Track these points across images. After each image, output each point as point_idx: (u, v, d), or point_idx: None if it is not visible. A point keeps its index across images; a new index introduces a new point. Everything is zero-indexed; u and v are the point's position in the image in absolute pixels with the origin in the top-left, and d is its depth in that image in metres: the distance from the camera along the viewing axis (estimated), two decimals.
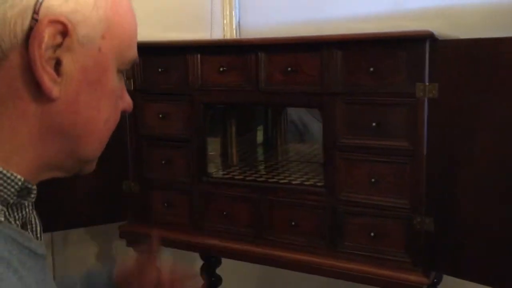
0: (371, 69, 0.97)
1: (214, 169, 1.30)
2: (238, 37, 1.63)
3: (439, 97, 0.91)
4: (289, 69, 1.04)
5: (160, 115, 1.22)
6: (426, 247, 0.99)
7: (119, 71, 0.59)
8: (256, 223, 1.15)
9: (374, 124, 0.99)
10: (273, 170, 1.28)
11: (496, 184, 0.89)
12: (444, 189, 0.95)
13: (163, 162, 1.24)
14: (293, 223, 1.10)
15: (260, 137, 1.55)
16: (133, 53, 0.61)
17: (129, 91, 1.22)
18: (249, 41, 1.06)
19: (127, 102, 0.64)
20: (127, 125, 1.26)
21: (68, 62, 0.51)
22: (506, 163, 0.87)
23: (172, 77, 1.19)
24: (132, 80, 1.22)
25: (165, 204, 1.26)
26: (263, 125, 1.52)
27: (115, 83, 0.58)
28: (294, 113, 1.49)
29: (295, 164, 1.34)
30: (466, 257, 0.95)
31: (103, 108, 0.57)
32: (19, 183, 0.50)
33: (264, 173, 1.25)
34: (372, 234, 1.03)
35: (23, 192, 0.51)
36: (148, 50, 1.20)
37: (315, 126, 1.40)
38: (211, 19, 1.67)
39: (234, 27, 1.68)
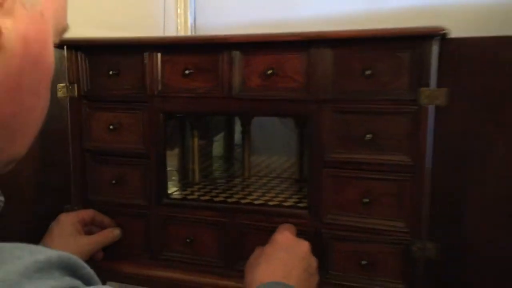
0: (367, 72, 0.83)
1: (174, 188, 1.13)
2: (193, 33, 1.47)
3: (447, 104, 0.79)
4: (269, 71, 0.89)
5: (111, 127, 1.03)
6: (427, 276, 0.86)
7: (53, 42, 0.49)
8: (227, 252, 0.99)
9: (368, 135, 0.86)
10: (243, 189, 1.12)
11: (510, 206, 0.78)
12: (450, 211, 0.83)
13: (113, 182, 1.05)
14: None
15: (219, 148, 1.39)
16: (66, 20, 0.52)
17: (72, 98, 1.03)
18: (220, 38, 0.90)
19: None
20: (69, 138, 1.06)
21: (8, 31, 0.39)
22: None
23: (126, 81, 1.01)
24: (75, 85, 1.03)
25: None
26: (224, 133, 1.36)
27: (53, 58, 0.49)
28: (260, 121, 1.34)
29: (266, 181, 1.19)
30: None
31: (42, 94, 0.48)
32: None
33: (233, 192, 1.09)
34: (363, 262, 0.90)
35: None
36: (96, 49, 1.02)
37: (284, 136, 1.26)
38: (164, 19, 1.51)
39: (189, 26, 1.52)
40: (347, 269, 0.91)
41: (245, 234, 0.98)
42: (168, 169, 1.14)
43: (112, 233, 1.04)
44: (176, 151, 1.23)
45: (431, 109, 0.81)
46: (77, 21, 1.19)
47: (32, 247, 0.40)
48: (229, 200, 1.03)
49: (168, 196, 1.05)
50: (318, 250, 0.91)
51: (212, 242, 1.00)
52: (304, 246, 0.86)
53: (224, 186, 1.14)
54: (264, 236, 0.92)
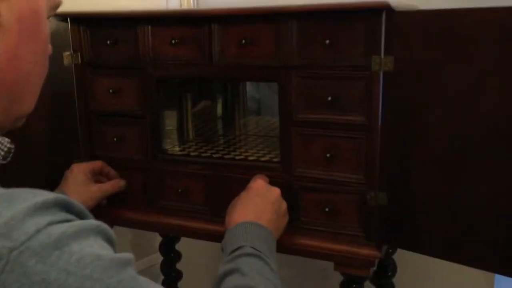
0: (327, 41, 0.94)
1: (170, 145, 1.26)
2: (195, 5, 1.58)
3: (394, 70, 0.90)
4: (244, 41, 1.00)
5: (111, 90, 1.16)
6: (379, 221, 0.99)
7: (48, 17, 0.58)
8: (212, 201, 1.13)
9: (329, 98, 0.97)
10: (230, 146, 1.25)
11: (447, 159, 0.89)
12: (397, 165, 0.95)
13: (115, 139, 1.19)
14: None
15: (219, 110, 1.51)
16: None
17: (77, 65, 1.17)
18: (201, 12, 1.02)
19: (49, 47, 0.62)
20: (76, 101, 1.20)
21: (5, 13, 0.48)
22: (457, 139, 0.86)
23: (122, 50, 1.13)
24: (79, 53, 1.16)
25: None
26: (222, 98, 1.49)
27: (47, 31, 0.57)
28: (253, 87, 1.46)
29: (253, 139, 1.32)
30: (418, 231, 0.96)
31: (39, 61, 0.56)
32: None
33: (220, 148, 1.22)
34: (326, 209, 1.02)
35: None
36: (95, 21, 1.14)
37: (274, 100, 1.37)
38: None
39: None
40: (314, 216, 1.04)
41: (228, 185, 1.11)
42: (168, 127, 1.28)
43: (118, 184, 1.17)
44: (175, 111, 1.35)
45: (381, 75, 0.91)
46: None
47: (36, 191, 0.49)
48: (214, 155, 1.16)
49: (163, 152, 1.18)
50: (289, 199, 1.04)
51: (199, 192, 1.14)
52: (274, 191, 0.99)
53: (214, 144, 1.27)
54: (243, 187, 1.05)
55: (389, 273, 1.22)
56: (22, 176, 1.07)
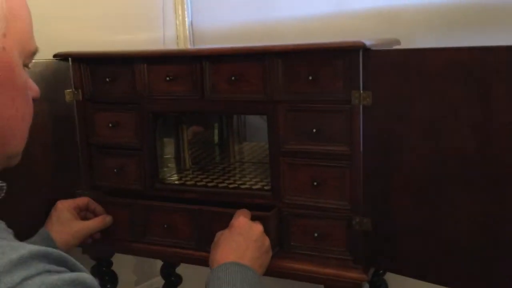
0: (310, 77, 1.01)
1: (169, 173, 1.33)
2: (191, 36, 1.66)
3: (372, 104, 0.96)
4: (233, 78, 1.07)
5: (110, 124, 1.23)
6: (365, 245, 1.04)
7: (24, 65, 0.63)
8: (198, 234, 1.15)
9: (314, 130, 1.03)
10: (225, 174, 1.31)
11: (424, 185, 0.95)
12: (379, 191, 1.01)
13: (115, 170, 1.26)
14: None
15: (215, 136, 1.58)
16: (34, 44, 0.64)
17: (78, 101, 1.24)
18: (193, 51, 1.09)
19: (34, 90, 0.68)
20: (78, 134, 1.27)
21: None
22: (433, 167, 0.92)
23: (121, 86, 1.21)
24: (80, 90, 1.24)
25: None
26: (218, 126, 1.56)
27: (24, 78, 0.62)
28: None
29: (247, 166, 1.38)
30: (402, 254, 1.01)
31: (19, 106, 0.60)
32: None
33: (215, 177, 1.28)
34: (315, 234, 1.08)
35: None
36: (95, 60, 1.22)
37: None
38: (163, 19, 1.70)
39: (186, 26, 1.71)
40: (304, 241, 1.10)
41: (215, 217, 1.15)
42: (167, 156, 1.35)
43: (104, 220, 1.18)
44: (172, 140, 1.42)
45: (360, 108, 0.98)
46: (80, 25, 1.39)
47: (14, 244, 0.49)
48: (209, 184, 1.22)
49: (160, 181, 1.25)
50: (279, 225, 1.10)
51: (186, 225, 1.16)
52: (256, 229, 1.00)
53: (210, 172, 1.33)
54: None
55: None
56: (26, 204, 1.15)
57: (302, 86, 1.03)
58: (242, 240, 0.96)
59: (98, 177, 1.29)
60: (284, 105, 1.06)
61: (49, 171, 1.23)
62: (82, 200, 1.19)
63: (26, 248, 0.49)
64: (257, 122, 1.57)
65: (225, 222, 1.04)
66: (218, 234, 1.02)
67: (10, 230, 0.58)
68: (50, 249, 0.51)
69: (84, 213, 1.19)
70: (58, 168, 1.26)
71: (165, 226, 1.17)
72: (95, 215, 1.20)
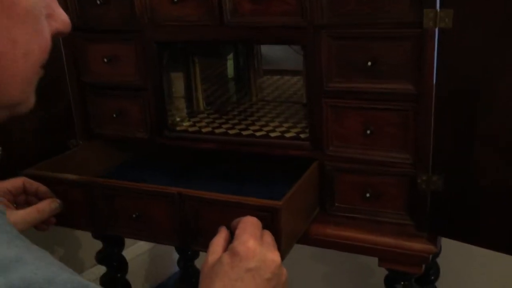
0: None
1: (179, 118, 1.10)
2: None
3: (453, 27, 0.71)
4: None
5: (105, 59, 0.99)
6: (432, 209, 0.83)
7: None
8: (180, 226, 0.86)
9: (369, 63, 0.79)
10: (246, 117, 1.08)
11: None
12: (457, 142, 0.78)
13: (114, 115, 1.03)
14: None
15: (231, 69, 1.33)
16: None
17: None
18: None
19: (60, 20, 0.51)
20: (66, 73, 1.03)
21: None
22: None
23: (115, 10, 0.95)
24: None
25: None
26: (233, 55, 1.30)
27: (29, 2, 0.46)
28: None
29: (273, 106, 1.15)
30: (479, 222, 0.80)
31: (19, 38, 0.46)
32: None
33: (236, 121, 1.05)
34: (367, 194, 0.86)
35: None
36: None
37: (293, 57, 1.19)
38: None
39: None
40: (352, 201, 0.89)
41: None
42: (174, 95, 1.11)
43: (49, 206, 0.85)
44: (181, 74, 1.17)
45: (436, 33, 0.73)
46: None
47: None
48: (230, 131, 0.99)
49: (168, 128, 1.02)
50: (321, 182, 0.89)
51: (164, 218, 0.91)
52: (272, 261, 0.66)
53: (228, 116, 1.10)
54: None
55: (432, 277, 1.06)
56: (14, 163, 0.94)
57: (353, 5, 0.77)
58: (251, 279, 0.64)
59: (94, 124, 1.07)
60: (327, 31, 0.80)
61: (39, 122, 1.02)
62: (13, 183, 0.87)
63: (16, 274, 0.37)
64: (279, 51, 1.32)
65: (218, 212, 0.77)
66: (212, 258, 0.67)
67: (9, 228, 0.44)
68: None
69: (24, 197, 0.88)
70: (49, 116, 1.04)
71: (134, 216, 0.86)
72: (39, 197, 0.88)
